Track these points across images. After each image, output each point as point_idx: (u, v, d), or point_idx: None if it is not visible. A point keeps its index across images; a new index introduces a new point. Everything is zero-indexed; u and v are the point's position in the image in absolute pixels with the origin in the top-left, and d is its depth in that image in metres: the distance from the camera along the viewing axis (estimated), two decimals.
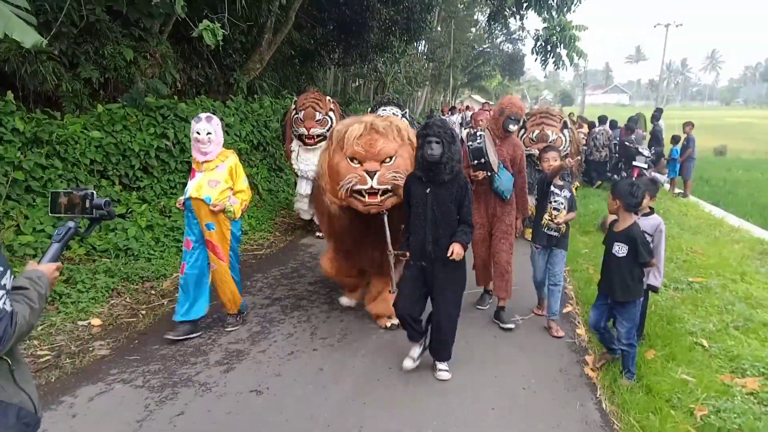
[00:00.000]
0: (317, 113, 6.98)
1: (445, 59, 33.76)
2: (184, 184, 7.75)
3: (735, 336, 4.25)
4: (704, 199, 12.15)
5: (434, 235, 3.48)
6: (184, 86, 10.56)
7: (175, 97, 8.41)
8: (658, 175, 11.85)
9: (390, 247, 3.86)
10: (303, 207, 7.56)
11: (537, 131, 6.98)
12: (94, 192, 2.01)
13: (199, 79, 11.12)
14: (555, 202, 4.33)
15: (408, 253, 3.64)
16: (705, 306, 4.86)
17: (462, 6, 29.21)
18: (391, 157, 3.86)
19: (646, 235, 3.66)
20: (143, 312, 4.74)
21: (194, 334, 4.25)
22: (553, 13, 12.12)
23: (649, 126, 13.89)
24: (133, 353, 3.97)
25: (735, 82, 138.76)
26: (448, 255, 3.39)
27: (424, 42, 28.50)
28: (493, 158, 4.36)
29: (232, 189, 4.22)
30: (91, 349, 4.01)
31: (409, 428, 3.12)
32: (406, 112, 6.26)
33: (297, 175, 7.47)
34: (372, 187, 3.77)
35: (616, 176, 11.85)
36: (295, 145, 7.32)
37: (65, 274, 5.02)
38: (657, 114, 13.49)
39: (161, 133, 7.52)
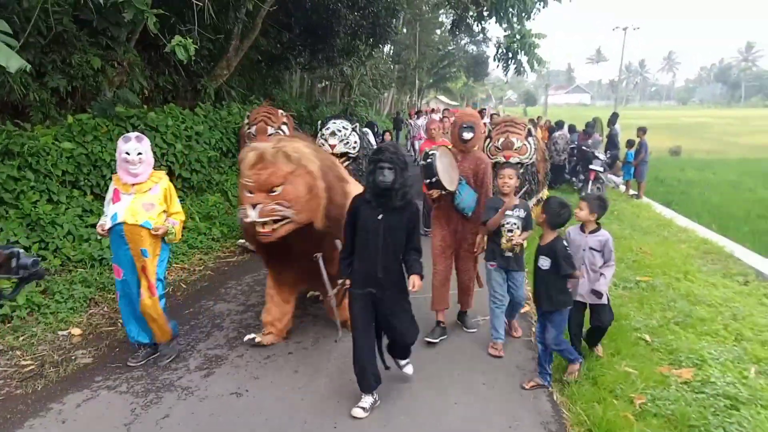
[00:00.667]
0: (269, 128, 6.92)
1: (410, 61, 34.18)
2: None
3: (675, 331, 4.66)
4: (658, 198, 12.75)
5: (385, 262, 3.42)
6: (152, 93, 10.62)
7: (145, 107, 8.50)
8: (613, 177, 12.45)
9: (330, 291, 3.82)
10: None
11: (502, 139, 6.94)
12: (21, 251, 1.89)
13: (166, 86, 11.17)
14: (507, 224, 4.27)
15: (349, 281, 3.55)
16: (650, 303, 5.28)
17: (427, 9, 29.57)
18: (278, 186, 3.75)
19: (594, 252, 3.94)
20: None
21: (155, 355, 4.21)
22: (514, 20, 12.54)
23: (606, 130, 14.48)
24: (116, 361, 4.16)
25: (691, 82, 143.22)
26: (410, 288, 3.44)
27: (389, 44, 28.80)
28: (449, 176, 4.35)
29: (166, 212, 4.05)
30: (73, 357, 4.19)
31: (380, 422, 3.40)
32: (356, 126, 6.30)
33: None
34: (254, 221, 3.72)
35: (574, 179, 12.38)
36: None
37: (42, 285, 5.15)
38: (613, 118, 14.07)
39: None
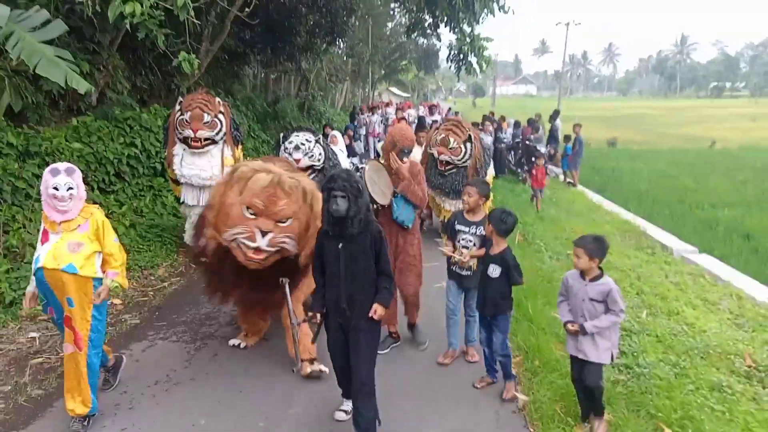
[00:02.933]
0: (206, 115, 6.46)
1: (364, 55, 35.13)
2: (151, 187, 8.85)
3: None
4: (593, 187, 14.33)
5: (348, 292, 3.33)
6: (129, 93, 11.42)
7: (138, 108, 9.36)
8: (554, 168, 13.97)
9: (293, 318, 3.61)
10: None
11: (443, 135, 7.28)
12: None
13: (143, 86, 11.98)
14: (463, 240, 4.26)
15: (318, 315, 3.45)
16: None
17: (380, 3, 30.46)
18: (288, 219, 3.75)
19: (596, 303, 3.43)
20: (151, 293, 5.93)
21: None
22: (464, 26, 13.79)
23: (548, 125, 16.01)
24: (159, 321, 5.22)
25: (631, 74, 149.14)
26: (370, 315, 3.28)
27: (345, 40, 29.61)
28: (379, 189, 4.36)
29: (99, 252, 3.55)
30: (124, 320, 5.21)
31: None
32: (319, 138, 6.15)
33: (179, 183, 6.86)
34: (259, 247, 3.69)
35: (519, 170, 13.84)
36: (178, 149, 6.68)
37: None
38: (554, 115, 15.60)
39: (130, 142, 8.54)
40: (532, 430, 3.66)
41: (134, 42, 11.40)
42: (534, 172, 10.57)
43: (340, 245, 3.31)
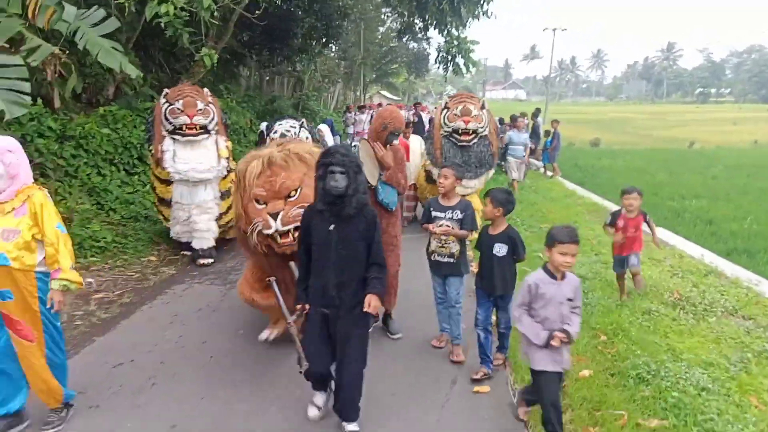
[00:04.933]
0: (198, 102, 6.27)
1: (356, 58, 36.18)
2: None
3: None
4: (573, 180, 15.41)
5: (339, 279, 3.10)
6: (142, 89, 12.38)
7: (155, 100, 10.32)
8: (535, 161, 15.04)
9: (289, 318, 3.22)
10: (185, 227, 6.52)
11: (461, 107, 7.14)
12: None
13: (153, 81, 12.92)
14: (441, 227, 4.03)
15: (306, 305, 3.18)
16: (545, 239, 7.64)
17: (372, 8, 31.44)
18: (296, 190, 3.60)
19: (567, 302, 3.21)
20: (182, 253, 6.85)
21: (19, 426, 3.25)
22: (452, 30, 14.87)
23: (531, 122, 17.09)
24: (192, 272, 6.18)
25: (618, 79, 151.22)
26: (365, 309, 3.06)
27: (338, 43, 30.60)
28: (369, 171, 4.18)
29: (38, 239, 3.06)
30: (162, 271, 6.17)
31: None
32: (303, 123, 6.14)
33: (167, 182, 6.55)
34: (277, 230, 3.53)
35: (502, 162, 14.89)
36: (168, 143, 6.29)
37: (114, 231, 7.02)
38: (536, 113, 16.69)
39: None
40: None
41: (146, 41, 12.42)
42: (621, 223, 5.63)
43: (332, 226, 3.10)
